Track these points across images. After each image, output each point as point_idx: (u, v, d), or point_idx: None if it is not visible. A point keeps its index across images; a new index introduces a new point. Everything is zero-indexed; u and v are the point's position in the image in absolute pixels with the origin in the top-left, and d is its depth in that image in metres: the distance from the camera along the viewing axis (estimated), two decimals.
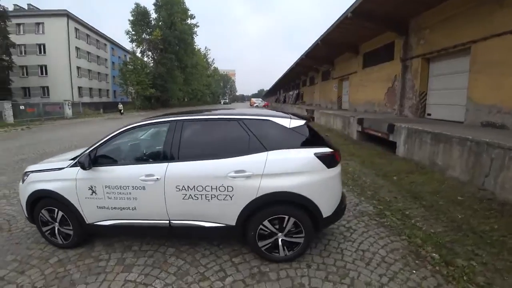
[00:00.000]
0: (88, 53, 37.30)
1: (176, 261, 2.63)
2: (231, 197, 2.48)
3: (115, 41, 46.26)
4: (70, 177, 2.75)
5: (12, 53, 27.88)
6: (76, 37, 34.09)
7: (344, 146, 7.92)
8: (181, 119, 2.77)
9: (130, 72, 34.51)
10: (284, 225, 2.53)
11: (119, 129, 2.84)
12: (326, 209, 2.57)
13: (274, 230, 2.53)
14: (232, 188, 2.46)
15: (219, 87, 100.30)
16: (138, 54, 38.72)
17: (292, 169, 2.47)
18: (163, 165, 2.58)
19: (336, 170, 2.64)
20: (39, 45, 31.79)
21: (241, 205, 2.48)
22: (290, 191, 2.44)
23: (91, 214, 2.78)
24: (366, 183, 4.78)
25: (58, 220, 2.86)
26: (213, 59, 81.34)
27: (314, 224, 2.57)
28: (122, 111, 30.48)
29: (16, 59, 29.02)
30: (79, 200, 2.74)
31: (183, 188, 2.52)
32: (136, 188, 2.60)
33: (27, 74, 31.99)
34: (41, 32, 31.84)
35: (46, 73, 32.19)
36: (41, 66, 32.02)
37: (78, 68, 34.21)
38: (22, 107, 21.65)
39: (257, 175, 2.44)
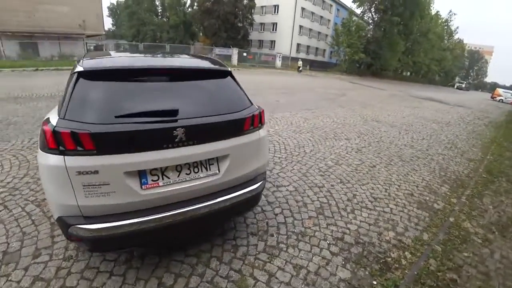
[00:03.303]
0: (312, 13, 39.72)
1: None
2: None
3: (342, 2, 45.46)
4: None
5: (256, 13, 35.39)
6: None
7: None
8: None
9: (342, 32, 33.11)
10: None
11: None
12: None
13: None
14: None
15: (459, 66, 69.54)
16: (357, 16, 35.67)
17: None
18: None
19: None
20: (275, 6, 37.70)
21: None
22: None
23: None
24: None
25: None
26: (457, 27, 58.30)
27: None
28: (300, 69, 28.52)
29: (258, 18, 36.72)
30: None
31: None
32: None
33: (263, 30, 39.58)
34: None
35: (276, 30, 38.27)
36: (273, 24, 38.39)
37: (300, 26, 37.84)
38: (244, 54, 27.48)
39: None
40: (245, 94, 2.15)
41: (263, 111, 2.15)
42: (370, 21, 36.31)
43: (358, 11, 36.59)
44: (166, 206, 1.74)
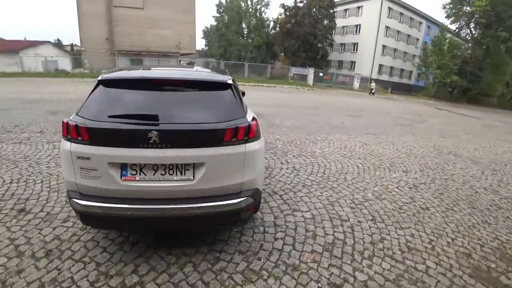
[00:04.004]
0: (398, 32, 36.50)
1: None
2: None
3: (433, 19, 40.01)
4: None
5: (337, 33, 34.92)
6: (388, 16, 34.27)
7: None
8: None
9: (432, 52, 28.75)
10: None
11: None
12: None
13: None
14: None
15: None
16: (451, 33, 30.65)
17: None
18: None
19: None
20: (356, 25, 36.29)
21: None
22: None
23: None
24: None
25: None
26: None
27: None
28: (373, 91, 25.46)
29: (339, 38, 36.02)
30: None
31: None
32: None
33: (343, 50, 38.41)
34: (359, 14, 35.78)
35: (356, 50, 36.62)
36: (354, 44, 36.89)
37: (383, 46, 35.20)
38: (321, 74, 27.09)
39: None
40: (242, 106, 2.11)
41: (254, 124, 2.03)
42: (468, 38, 30.82)
43: (453, 27, 31.46)
44: (141, 199, 1.92)
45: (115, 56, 24.39)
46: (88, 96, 2.02)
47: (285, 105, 11.90)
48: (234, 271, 2.06)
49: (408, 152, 5.86)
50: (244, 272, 2.06)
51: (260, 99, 12.90)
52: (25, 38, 37.15)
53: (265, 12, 52.66)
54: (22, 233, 2.44)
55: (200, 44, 69.42)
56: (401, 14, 36.32)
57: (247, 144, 1.98)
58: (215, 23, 51.71)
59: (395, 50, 37.28)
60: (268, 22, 44.67)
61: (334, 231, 2.63)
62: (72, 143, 1.86)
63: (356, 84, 28.10)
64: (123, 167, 1.89)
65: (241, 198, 2.01)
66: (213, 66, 25.20)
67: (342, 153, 5.29)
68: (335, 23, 33.30)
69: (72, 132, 1.85)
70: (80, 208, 1.90)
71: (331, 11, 32.79)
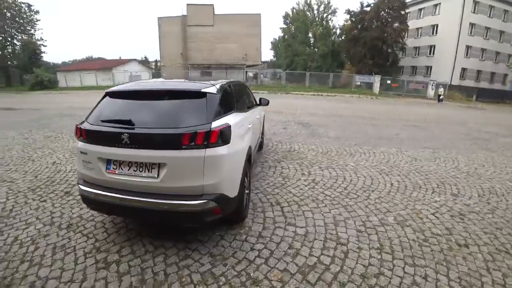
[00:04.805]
0: (487, 28, 30.03)
1: None
2: None
3: None
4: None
5: (410, 36, 31.19)
6: (473, 11, 28.56)
7: None
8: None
9: None
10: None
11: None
12: None
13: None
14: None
15: None
16: None
17: None
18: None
19: None
20: (433, 26, 31.36)
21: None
22: None
23: None
24: None
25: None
26: None
27: None
28: (441, 98, 21.35)
29: (412, 41, 31.98)
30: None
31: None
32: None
33: (417, 55, 33.72)
34: (436, 13, 30.81)
35: (433, 53, 31.65)
36: (430, 47, 32.00)
37: (467, 47, 29.52)
38: (388, 82, 24.40)
39: None
40: (213, 113, 2.21)
41: (216, 131, 2.06)
42: None
43: None
44: (119, 190, 2.19)
45: (188, 70, 27.38)
46: (96, 105, 2.48)
47: (338, 115, 11.16)
48: (196, 271, 2.09)
49: (470, 171, 4.69)
50: (204, 274, 2.05)
51: (313, 109, 12.50)
52: (120, 57, 45.13)
53: (332, 20, 50.78)
54: (59, 209, 3.06)
55: (269, 55, 71.64)
56: (491, 7, 29.74)
57: (207, 149, 2.03)
58: (282, 34, 52.74)
59: (484, 50, 30.75)
60: (334, 30, 43.06)
61: (322, 254, 2.29)
62: (79, 141, 2.34)
63: (431, 92, 24.14)
64: (108, 162, 2.21)
65: (201, 200, 2.04)
66: (212, 78, 25.67)
67: (379, 168, 4.61)
68: (407, 25, 29.57)
69: (78, 133, 2.33)
70: (81, 192, 2.37)
71: (403, 12, 29.26)
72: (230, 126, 2.23)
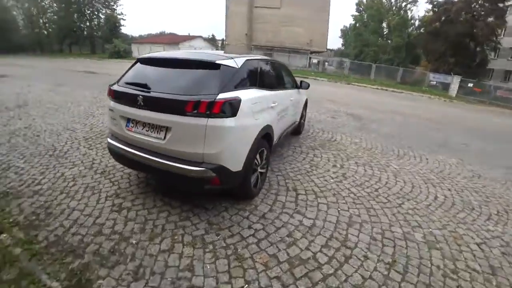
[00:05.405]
0: None
1: None
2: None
3: None
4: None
5: (507, 34, 25.35)
6: None
7: None
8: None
9: None
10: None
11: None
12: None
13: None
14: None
15: None
16: None
17: None
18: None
19: None
20: None
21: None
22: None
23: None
24: None
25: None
26: None
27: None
28: None
29: (509, 41, 25.78)
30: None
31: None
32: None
33: None
34: None
35: None
36: None
37: None
38: (470, 85, 20.50)
39: None
40: (224, 85, 2.17)
41: (220, 102, 2.03)
42: None
43: None
44: (134, 146, 2.39)
45: (251, 50, 27.50)
46: (127, 70, 2.66)
47: (399, 113, 9.87)
48: (189, 233, 2.18)
49: None
50: (195, 237, 2.12)
51: (372, 102, 11.34)
52: (188, 34, 47.46)
53: (411, 10, 44.01)
54: (100, 158, 3.52)
55: (337, 43, 67.11)
56: None
57: (209, 119, 2.02)
58: (353, 22, 48.49)
59: None
60: (412, 21, 37.58)
61: (320, 251, 2.09)
62: (110, 100, 2.57)
63: None
64: (128, 120, 2.41)
65: (200, 168, 2.06)
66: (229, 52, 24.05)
67: (427, 177, 3.95)
68: (504, 20, 23.50)
69: (109, 93, 2.58)
70: (108, 144, 2.65)
71: (501, 5, 23.19)
72: (240, 100, 2.17)
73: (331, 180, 3.40)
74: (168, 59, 2.58)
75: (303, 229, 2.33)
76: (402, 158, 4.66)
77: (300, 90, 4.64)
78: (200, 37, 39.67)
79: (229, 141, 2.12)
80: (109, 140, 2.58)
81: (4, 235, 2.01)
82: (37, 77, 11.61)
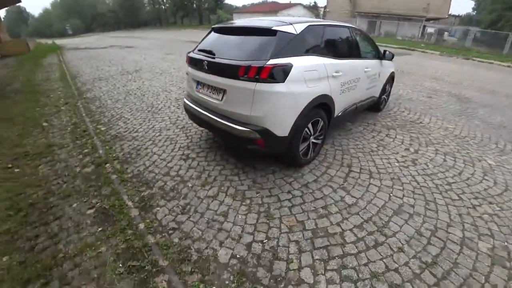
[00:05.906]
0: None
1: None
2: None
3: None
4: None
5: None
6: None
7: None
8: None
9: None
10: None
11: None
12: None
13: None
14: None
15: None
16: None
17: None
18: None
19: None
20: None
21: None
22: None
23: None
24: None
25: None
26: None
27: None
28: None
29: None
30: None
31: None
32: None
33: None
34: None
35: None
36: None
37: None
38: None
39: None
40: (278, 51, 2.21)
41: (268, 68, 2.09)
42: None
43: None
44: (201, 105, 2.75)
45: (355, 18, 24.56)
46: (203, 38, 2.97)
47: None
48: (234, 186, 2.54)
49: None
50: (238, 191, 2.46)
51: (490, 83, 8.53)
52: (290, 1, 45.45)
53: None
54: (183, 116, 4.23)
55: (467, 7, 51.74)
56: None
57: (257, 83, 2.13)
58: None
59: None
60: None
61: (351, 230, 2.04)
62: (187, 66, 2.94)
63: None
64: (197, 83, 2.74)
65: (245, 128, 2.26)
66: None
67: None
68: None
69: (186, 59, 2.95)
70: (184, 104, 3.11)
71: None
72: (291, 66, 2.17)
73: (396, 164, 3.05)
74: (234, 28, 2.77)
75: (342, 205, 2.29)
76: (506, 154, 3.60)
77: (384, 61, 4.07)
78: (300, 4, 38.13)
79: (275, 106, 2.20)
80: (185, 100, 3.06)
81: (108, 165, 2.85)
82: (153, 47, 14.06)
